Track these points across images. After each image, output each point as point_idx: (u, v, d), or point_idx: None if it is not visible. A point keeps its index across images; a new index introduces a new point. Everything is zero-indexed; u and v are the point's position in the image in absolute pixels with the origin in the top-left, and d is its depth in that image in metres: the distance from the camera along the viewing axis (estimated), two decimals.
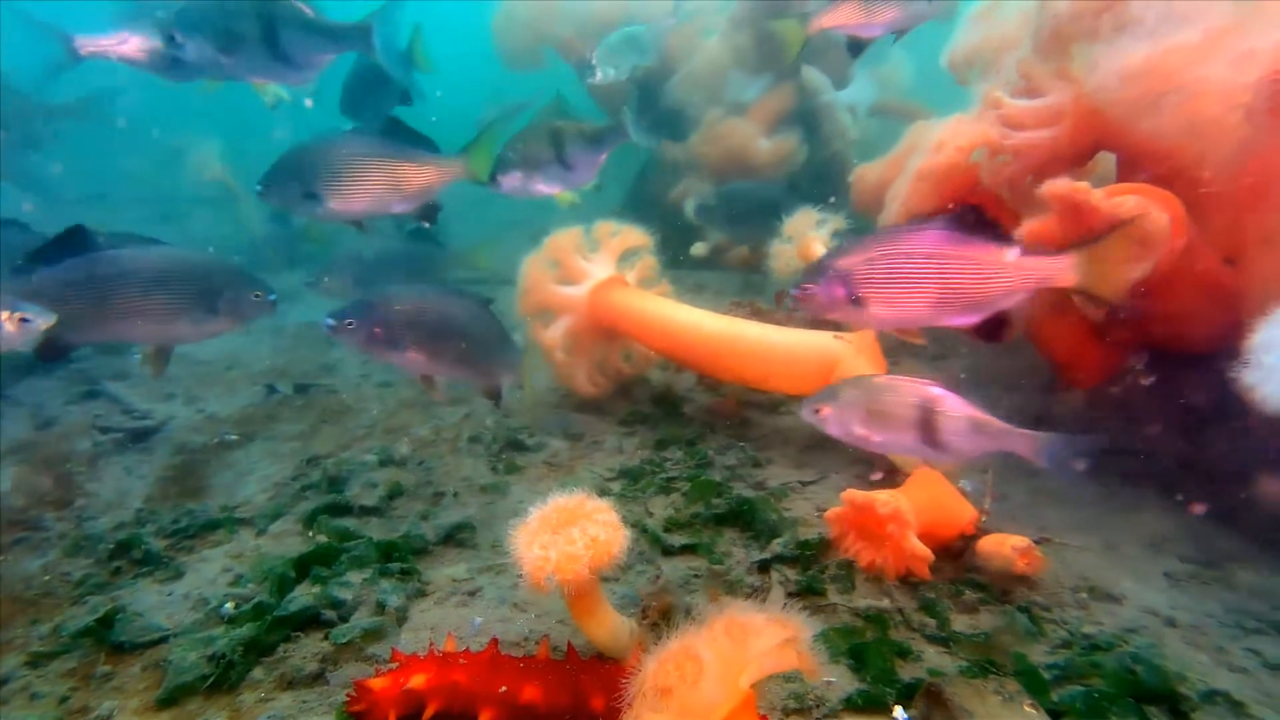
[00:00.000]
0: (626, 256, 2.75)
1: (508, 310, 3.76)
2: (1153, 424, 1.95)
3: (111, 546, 1.94)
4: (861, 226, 2.76)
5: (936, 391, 1.50)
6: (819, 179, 4.45)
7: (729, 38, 4.53)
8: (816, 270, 1.63)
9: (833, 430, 1.58)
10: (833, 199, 3.75)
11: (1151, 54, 1.58)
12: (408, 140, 2.07)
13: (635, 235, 2.69)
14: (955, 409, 1.49)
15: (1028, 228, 1.79)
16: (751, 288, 4.02)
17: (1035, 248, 1.60)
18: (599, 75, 3.20)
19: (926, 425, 1.49)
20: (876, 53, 4.66)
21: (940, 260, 1.51)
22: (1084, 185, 1.71)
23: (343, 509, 2.10)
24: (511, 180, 2.30)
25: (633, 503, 2.08)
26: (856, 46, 2.33)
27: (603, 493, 2.14)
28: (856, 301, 1.57)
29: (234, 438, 2.56)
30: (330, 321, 2.00)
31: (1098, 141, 1.91)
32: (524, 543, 1.30)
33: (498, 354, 2.16)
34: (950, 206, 1.58)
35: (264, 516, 2.10)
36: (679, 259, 4.32)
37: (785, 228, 2.65)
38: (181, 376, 3.00)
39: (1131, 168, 1.84)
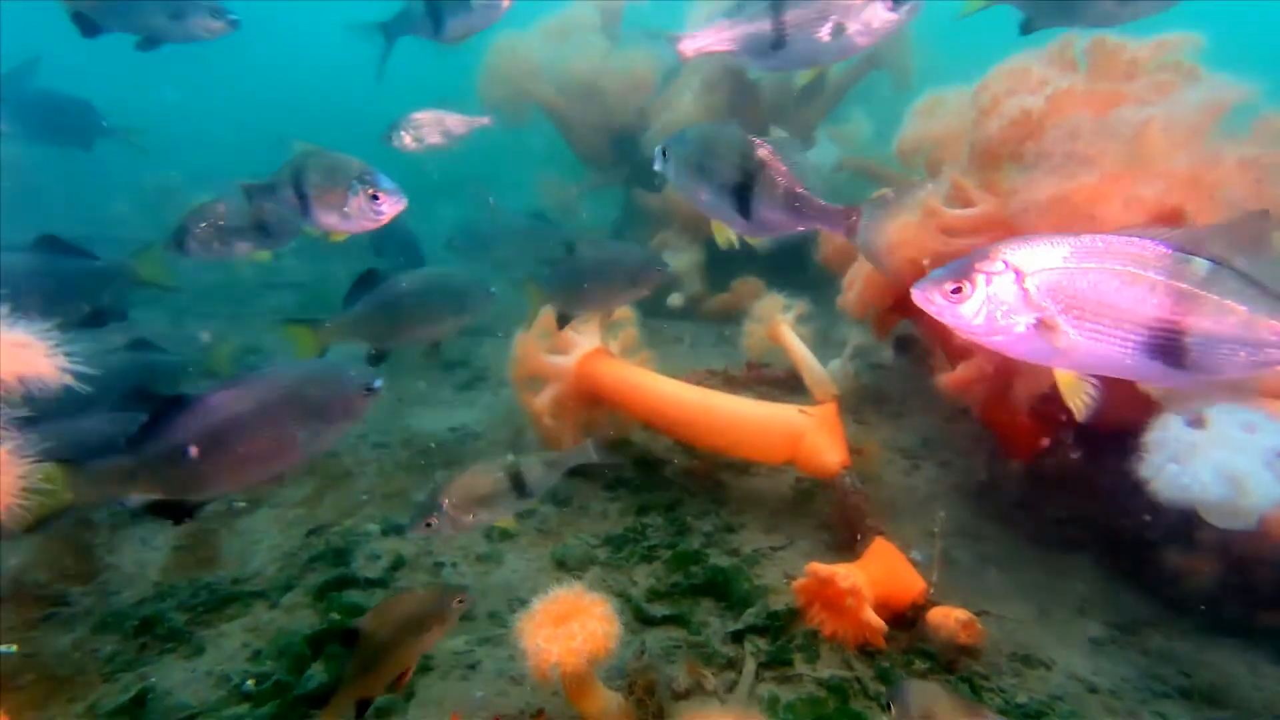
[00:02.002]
0: (611, 328, 2.96)
1: (494, 364, 3.95)
2: (1079, 494, 2.20)
3: (136, 623, 2.09)
4: (823, 304, 2.97)
5: (512, 458, 1.97)
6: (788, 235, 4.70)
7: (702, 98, 4.78)
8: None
9: (447, 529, 1.90)
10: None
11: (1058, 192, 1.84)
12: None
13: (619, 309, 2.90)
14: (532, 464, 1.98)
15: None
16: (726, 340, 4.24)
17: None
18: (393, 139, 3.28)
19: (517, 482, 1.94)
20: (838, 113, 4.94)
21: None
22: None
23: (349, 581, 2.27)
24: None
25: (618, 571, 2.27)
26: (1029, 25, 2.28)
27: (590, 560, 2.35)
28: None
29: (242, 504, 2.71)
30: None
31: None
32: (529, 635, 1.50)
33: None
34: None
35: (275, 589, 2.26)
36: (657, 309, 4.54)
37: (756, 309, 2.87)
38: None
39: None
